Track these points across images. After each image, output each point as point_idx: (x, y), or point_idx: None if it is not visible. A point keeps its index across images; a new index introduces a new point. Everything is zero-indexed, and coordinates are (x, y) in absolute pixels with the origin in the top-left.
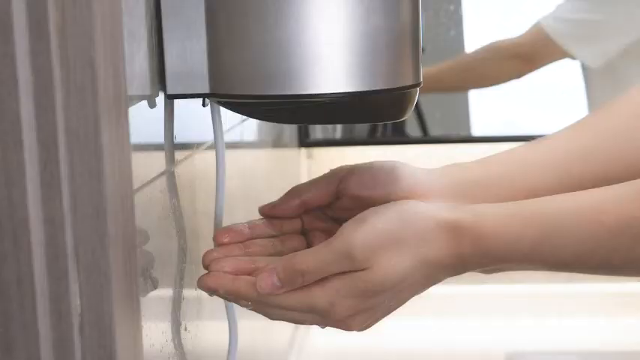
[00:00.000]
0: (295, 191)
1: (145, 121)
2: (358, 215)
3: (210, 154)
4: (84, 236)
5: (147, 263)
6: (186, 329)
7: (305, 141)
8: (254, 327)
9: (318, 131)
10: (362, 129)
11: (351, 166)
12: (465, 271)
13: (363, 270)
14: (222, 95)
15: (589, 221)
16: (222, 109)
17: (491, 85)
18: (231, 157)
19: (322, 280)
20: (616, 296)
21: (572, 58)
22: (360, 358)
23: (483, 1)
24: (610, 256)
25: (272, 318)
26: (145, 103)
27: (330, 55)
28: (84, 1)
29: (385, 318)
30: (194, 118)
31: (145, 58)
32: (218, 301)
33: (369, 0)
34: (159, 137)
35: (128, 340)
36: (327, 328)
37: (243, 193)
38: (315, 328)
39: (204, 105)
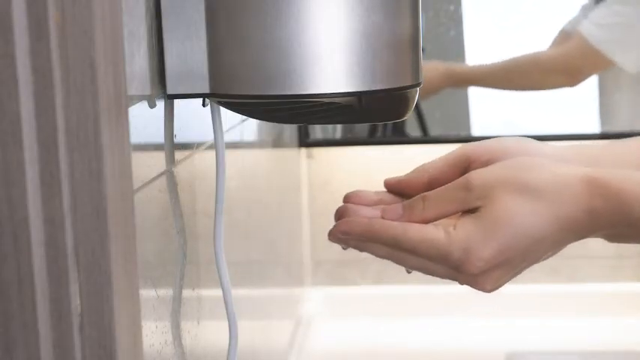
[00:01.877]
0: (423, 168)
1: (145, 121)
2: None
3: (210, 154)
4: (84, 236)
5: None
6: (186, 329)
7: (305, 141)
8: (254, 327)
9: (318, 131)
10: (362, 129)
11: (477, 143)
12: (593, 231)
13: (484, 207)
14: (222, 95)
15: None
16: (222, 109)
17: (532, 90)
18: (231, 157)
19: (454, 227)
20: (616, 296)
21: (613, 65)
22: (360, 358)
23: (483, 1)
24: None
25: (406, 265)
26: (145, 103)
27: (329, 55)
28: (84, 1)
29: (385, 318)
30: (194, 118)
31: (145, 58)
32: (218, 301)
33: (369, 0)
34: (159, 137)
35: (128, 340)
36: (328, 328)
37: (243, 193)
38: (314, 328)
39: (204, 105)
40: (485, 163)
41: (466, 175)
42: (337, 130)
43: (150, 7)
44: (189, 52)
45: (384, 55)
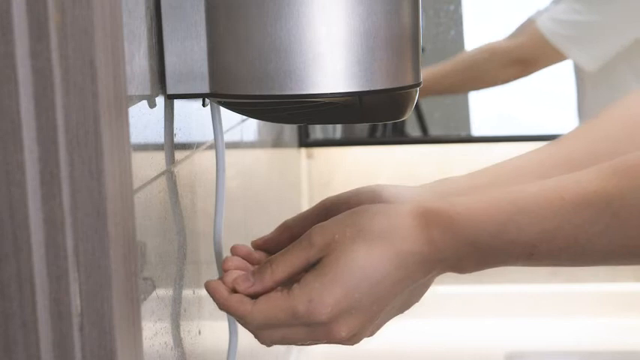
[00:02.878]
0: (285, 226)
1: (145, 121)
2: None
3: (210, 154)
4: (84, 236)
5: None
6: (186, 329)
7: (305, 141)
8: None
9: (318, 131)
10: (362, 129)
11: (336, 196)
12: (438, 266)
13: (325, 257)
14: (222, 95)
15: (552, 199)
16: (222, 109)
17: (488, 87)
18: (231, 157)
19: (297, 282)
20: (616, 296)
21: (565, 57)
22: (360, 358)
23: (483, 1)
24: (575, 233)
25: (266, 342)
26: (145, 103)
27: (329, 55)
28: (84, 1)
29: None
30: (194, 118)
31: (145, 58)
32: None
33: (369, 0)
34: (159, 137)
35: (128, 340)
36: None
37: (243, 193)
38: None
39: (204, 105)
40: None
41: (308, 230)
42: (337, 130)
43: (150, 7)
44: (189, 52)
45: (384, 55)
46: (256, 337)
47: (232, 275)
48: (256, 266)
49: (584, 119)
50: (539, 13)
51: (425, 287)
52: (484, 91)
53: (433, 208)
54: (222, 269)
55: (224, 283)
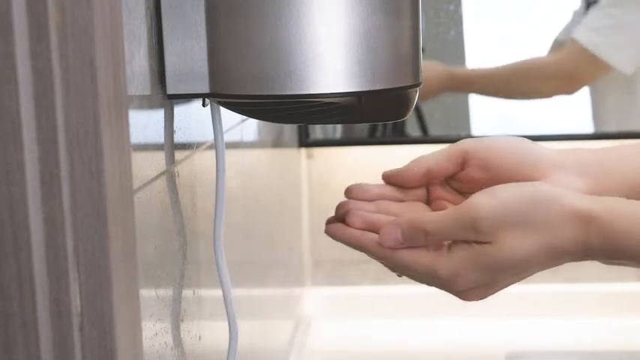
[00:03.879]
0: (421, 160)
1: (145, 121)
2: (489, 188)
3: (210, 154)
4: (84, 236)
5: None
6: (186, 329)
7: (305, 141)
8: (254, 327)
9: (318, 131)
10: (362, 129)
11: (476, 141)
12: (587, 259)
13: (487, 243)
14: (222, 95)
15: None
16: (222, 109)
17: (524, 99)
18: (231, 157)
19: (448, 249)
20: (616, 296)
21: (609, 70)
22: (360, 358)
23: (483, 1)
24: None
25: (397, 272)
26: (145, 103)
27: (329, 55)
28: (84, 1)
29: (385, 318)
30: (194, 118)
31: (145, 58)
32: (218, 301)
33: (369, 0)
34: (159, 137)
35: (128, 340)
36: (328, 328)
37: (243, 193)
38: (314, 328)
39: (204, 105)
40: (484, 162)
41: (473, 212)
42: (337, 130)
43: (150, 7)
44: (189, 52)
45: (384, 55)
46: (387, 266)
47: (367, 216)
48: (402, 218)
49: (601, 123)
50: (566, 30)
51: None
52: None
53: (598, 217)
54: (341, 209)
55: (363, 241)
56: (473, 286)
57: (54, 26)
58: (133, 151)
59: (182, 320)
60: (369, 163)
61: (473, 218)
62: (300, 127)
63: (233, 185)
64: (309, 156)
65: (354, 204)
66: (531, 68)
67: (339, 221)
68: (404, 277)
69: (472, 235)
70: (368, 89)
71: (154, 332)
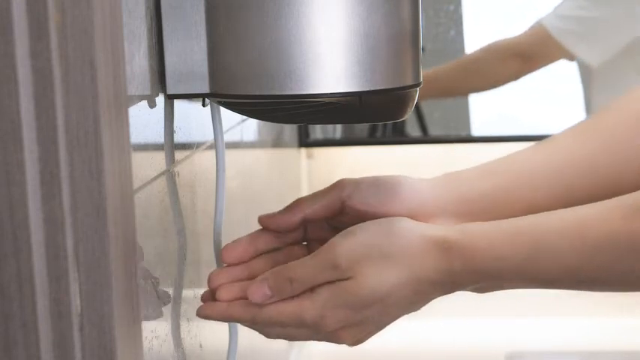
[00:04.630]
0: (297, 204)
1: (145, 121)
2: (347, 229)
3: (210, 154)
4: (84, 236)
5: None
6: (186, 329)
7: (305, 141)
8: None
9: (318, 131)
10: (362, 129)
11: (355, 179)
12: (456, 289)
13: (348, 279)
14: (222, 95)
15: (572, 237)
16: (222, 109)
17: (489, 87)
18: (231, 157)
19: (311, 291)
20: (616, 296)
21: (571, 57)
22: (360, 358)
23: (483, 1)
24: (596, 273)
25: (268, 336)
26: (145, 103)
27: (330, 55)
28: (84, 1)
29: None
30: (194, 118)
31: (145, 58)
32: None
33: (369, 0)
34: (159, 137)
35: (128, 340)
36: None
37: (243, 193)
38: None
39: (204, 105)
40: (359, 204)
41: (332, 251)
42: (337, 130)
43: (150, 7)
44: (189, 52)
45: (384, 55)
46: (259, 331)
47: (235, 287)
48: (267, 273)
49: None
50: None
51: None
52: (487, 95)
53: (456, 242)
54: (212, 285)
55: (232, 310)
56: (342, 325)
57: (54, 26)
58: (133, 151)
59: (182, 320)
60: (369, 163)
61: (332, 257)
62: (300, 127)
63: (233, 185)
64: (309, 156)
65: (223, 275)
66: (495, 49)
67: (212, 296)
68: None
69: (334, 274)
70: (368, 89)
71: (153, 332)
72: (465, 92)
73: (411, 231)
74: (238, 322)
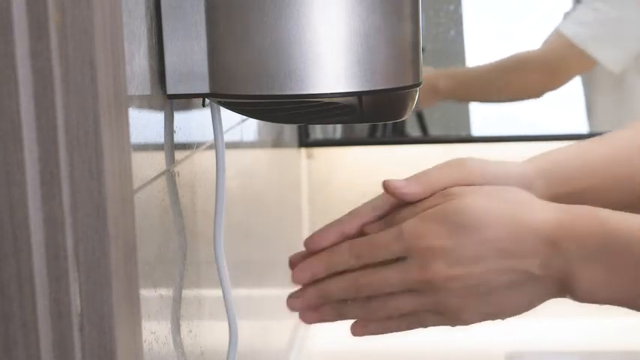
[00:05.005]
0: (425, 174)
1: (145, 121)
2: None
3: (210, 154)
4: (84, 236)
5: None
6: (186, 329)
7: (305, 141)
8: (254, 327)
9: (318, 131)
10: (362, 129)
11: (480, 166)
12: (554, 261)
13: (450, 201)
14: (222, 95)
15: None
16: (222, 109)
17: (512, 98)
18: (231, 157)
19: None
20: None
21: (589, 67)
22: (360, 358)
23: (483, 1)
24: None
25: (365, 287)
26: (145, 103)
27: (330, 55)
28: (84, 1)
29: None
30: (194, 118)
31: (145, 58)
32: (218, 301)
33: (369, 0)
34: (159, 137)
35: (128, 340)
36: (328, 328)
37: (243, 193)
38: (314, 328)
39: (204, 105)
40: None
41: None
42: (337, 130)
43: (150, 7)
44: (189, 52)
45: (384, 55)
46: (355, 285)
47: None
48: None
49: (595, 125)
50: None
51: (524, 301)
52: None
53: (581, 208)
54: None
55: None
56: (436, 242)
57: (54, 26)
58: (133, 151)
59: (182, 320)
60: (369, 163)
61: (445, 191)
62: (300, 127)
63: (233, 185)
64: (309, 156)
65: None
66: (516, 61)
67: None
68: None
69: (440, 199)
70: (368, 89)
71: (154, 332)
72: (492, 101)
73: (528, 195)
74: (338, 265)
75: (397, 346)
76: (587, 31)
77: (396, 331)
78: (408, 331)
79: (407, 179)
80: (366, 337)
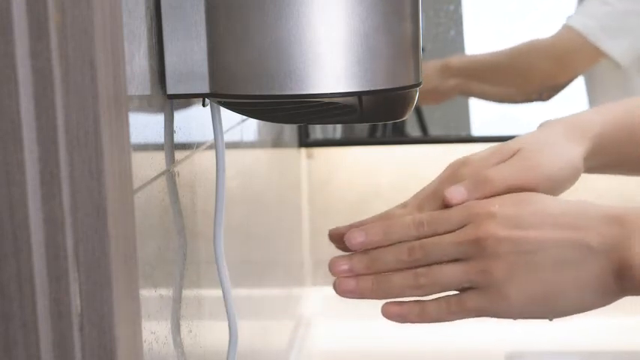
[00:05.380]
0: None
1: (145, 121)
2: None
3: (210, 154)
4: (84, 236)
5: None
6: (186, 329)
7: (305, 141)
8: (254, 327)
9: (318, 131)
10: (362, 129)
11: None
12: (619, 228)
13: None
14: (222, 95)
15: None
16: (222, 109)
17: (519, 88)
18: (231, 157)
19: None
20: None
21: (600, 55)
22: (360, 358)
23: (483, 2)
24: None
25: (419, 253)
26: (145, 103)
27: (330, 55)
28: (84, 1)
29: (385, 319)
30: (194, 118)
31: (145, 58)
32: (218, 301)
33: (369, 0)
34: (159, 137)
35: (128, 340)
36: (328, 328)
37: (243, 193)
38: (314, 328)
39: (204, 105)
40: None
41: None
42: (337, 130)
43: (150, 7)
44: (189, 52)
45: (384, 55)
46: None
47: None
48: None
49: None
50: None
51: (575, 285)
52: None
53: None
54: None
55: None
56: (496, 209)
57: (54, 26)
58: (133, 151)
59: (182, 320)
60: (369, 163)
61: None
62: (300, 127)
63: (233, 185)
64: (309, 156)
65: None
66: (527, 46)
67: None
68: None
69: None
70: (368, 89)
71: (153, 332)
72: (505, 89)
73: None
74: (396, 233)
75: (397, 346)
76: (595, 23)
77: (433, 319)
78: (409, 332)
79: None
80: (364, 337)
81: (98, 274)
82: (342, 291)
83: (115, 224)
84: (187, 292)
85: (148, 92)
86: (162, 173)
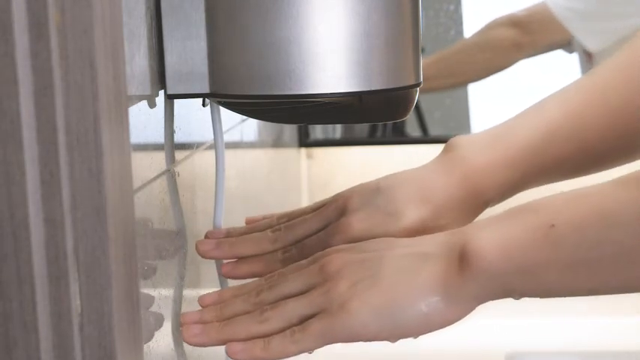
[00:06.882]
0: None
1: (145, 121)
2: None
3: (210, 154)
4: (84, 236)
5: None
6: None
7: (305, 141)
8: None
9: (318, 131)
10: (362, 129)
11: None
12: (457, 232)
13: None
14: (222, 95)
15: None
16: (222, 109)
17: (490, 63)
18: (231, 157)
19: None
20: (616, 296)
21: (568, 43)
22: (360, 358)
23: (483, 1)
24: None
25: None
26: (145, 103)
27: (329, 55)
28: (84, 1)
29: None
30: (194, 118)
31: (145, 58)
32: None
33: (369, 0)
34: (159, 137)
35: (128, 340)
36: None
37: (243, 193)
38: None
39: (204, 105)
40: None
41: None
42: (337, 130)
43: (150, 7)
44: (189, 52)
45: (384, 55)
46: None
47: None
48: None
49: None
50: None
51: (417, 288)
52: (487, 94)
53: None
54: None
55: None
56: (344, 262)
57: (54, 26)
58: (133, 151)
59: None
60: (369, 163)
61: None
62: (300, 127)
63: (233, 185)
64: (309, 156)
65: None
66: (497, 19)
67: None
68: None
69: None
70: (368, 89)
71: (154, 332)
72: (465, 76)
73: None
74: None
75: (397, 346)
76: (569, 3)
77: (279, 352)
78: None
79: None
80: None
81: (98, 274)
82: (188, 336)
83: (114, 224)
84: (187, 292)
85: (147, 92)
86: (163, 173)
